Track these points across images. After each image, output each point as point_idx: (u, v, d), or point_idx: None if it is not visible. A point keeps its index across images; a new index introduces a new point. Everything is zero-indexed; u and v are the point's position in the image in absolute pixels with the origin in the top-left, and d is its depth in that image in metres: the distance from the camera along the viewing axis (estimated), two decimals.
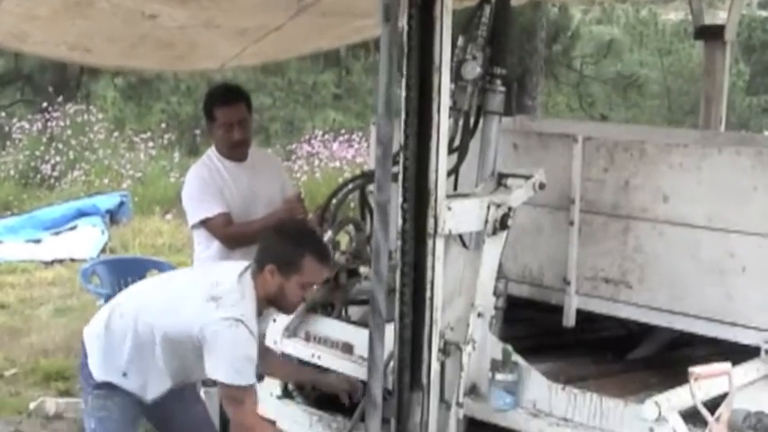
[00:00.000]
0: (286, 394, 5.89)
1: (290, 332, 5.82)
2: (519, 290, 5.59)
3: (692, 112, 20.66)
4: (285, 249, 4.87)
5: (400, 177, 4.70)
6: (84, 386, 5.00)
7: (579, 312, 5.52)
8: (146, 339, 4.84)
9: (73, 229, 13.58)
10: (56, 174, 16.85)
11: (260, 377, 5.57)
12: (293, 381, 5.69)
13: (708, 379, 4.37)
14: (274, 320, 5.84)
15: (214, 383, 5.44)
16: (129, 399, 4.95)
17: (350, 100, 23.71)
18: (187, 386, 5.22)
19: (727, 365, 4.40)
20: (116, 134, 18.45)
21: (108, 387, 4.92)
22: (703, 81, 8.46)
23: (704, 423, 4.31)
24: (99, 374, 4.92)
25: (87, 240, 12.82)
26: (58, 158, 17.08)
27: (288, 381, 5.72)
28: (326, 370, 5.61)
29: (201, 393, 5.93)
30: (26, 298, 10.84)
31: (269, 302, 4.95)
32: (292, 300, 4.95)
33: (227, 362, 4.71)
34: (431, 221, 4.68)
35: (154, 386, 4.92)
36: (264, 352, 5.31)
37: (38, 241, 13.24)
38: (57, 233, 13.49)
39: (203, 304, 4.74)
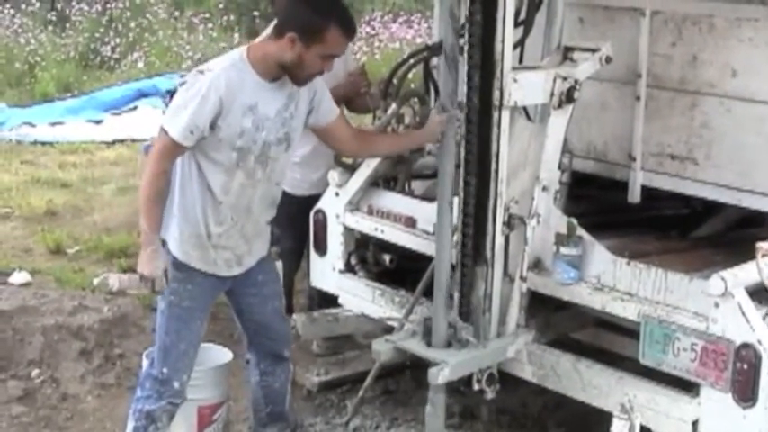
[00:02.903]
0: (348, 268, 5.92)
1: (353, 206, 5.84)
2: (584, 165, 5.56)
3: None
4: (310, 18, 4.57)
5: (465, 49, 4.65)
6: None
7: (644, 189, 5.48)
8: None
9: (133, 109, 13.56)
10: (116, 56, 16.78)
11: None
12: (397, 151, 5.60)
13: None
14: (337, 195, 5.86)
15: (276, 257, 5.44)
16: (203, 282, 4.88)
17: None
18: (265, 276, 5.14)
19: None
20: (176, 15, 18.38)
21: (186, 268, 4.86)
22: None
23: None
24: (163, 231, 4.87)
25: (148, 121, 12.72)
26: (117, 40, 17.00)
27: (374, 155, 5.66)
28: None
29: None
30: (88, 177, 10.86)
31: (284, 69, 4.67)
32: (310, 71, 4.66)
33: (173, 102, 4.65)
34: (496, 93, 4.63)
35: (195, 208, 4.77)
36: (357, 135, 5.17)
37: (99, 122, 13.23)
38: (117, 114, 13.48)
39: None
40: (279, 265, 5.35)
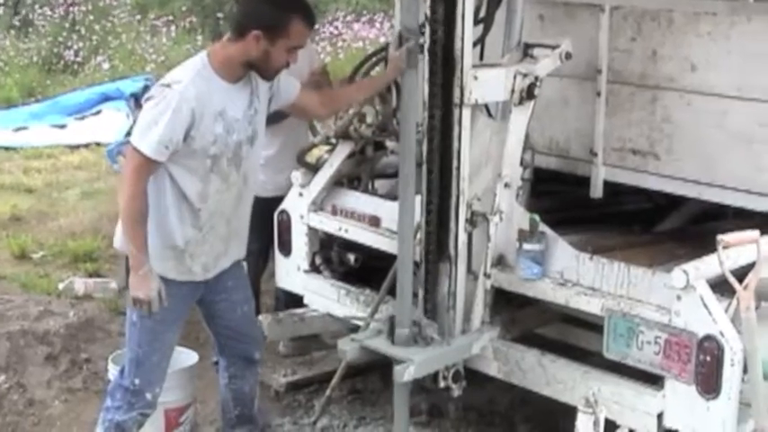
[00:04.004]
0: (313, 268, 5.92)
1: (317, 206, 5.84)
2: (546, 162, 5.58)
3: None
4: (273, 14, 4.61)
5: (426, 47, 4.66)
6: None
7: (606, 185, 5.50)
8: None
9: (97, 113, 13.48)
10: (79, 59, 16.73)
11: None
12: (358, 101, 5.51)
13: (736, 247, 4.35)
14: (300, 195, 5.86)
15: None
16: (176, 293, 4.81)
17: None
18: (236, 281, 5.16)
19: (755, 233, 4.37)
20: (138, 18, 18.34)
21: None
22: None
23: (732, 292, 4.31)
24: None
25: (112, 124, 12.70)
26: (80, 44, 16.95)
27: (350, 104, 5.55)
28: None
29: None
30: (53, 182, 10.82)
31: (250, 67, 4.71)
32: (277, 65, 4.70)
33: (141, 120, 4.59)
34: (457, 91, 4.65)
35: (168, 218, 4.74)
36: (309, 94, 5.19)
37: (63, 126, 13.16)
38: (81, 118, 13.40)
39: None
40: (243, 266, 5.35)
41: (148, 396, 4.91)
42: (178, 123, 4.53)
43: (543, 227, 4.85)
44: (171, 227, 4.73)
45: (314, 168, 5.92)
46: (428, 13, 4.64)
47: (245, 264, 5.35)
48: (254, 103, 4.79)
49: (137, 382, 4.87)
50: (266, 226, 6.10)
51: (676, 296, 4.37)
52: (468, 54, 4.65)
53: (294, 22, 4.62)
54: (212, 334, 5.32)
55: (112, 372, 5.17)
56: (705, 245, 4.45)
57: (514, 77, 4.82)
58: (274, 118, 5.45)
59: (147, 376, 4.89)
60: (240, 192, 4.87)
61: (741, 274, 4.31)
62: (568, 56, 4.97)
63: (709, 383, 4.28)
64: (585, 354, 5.02)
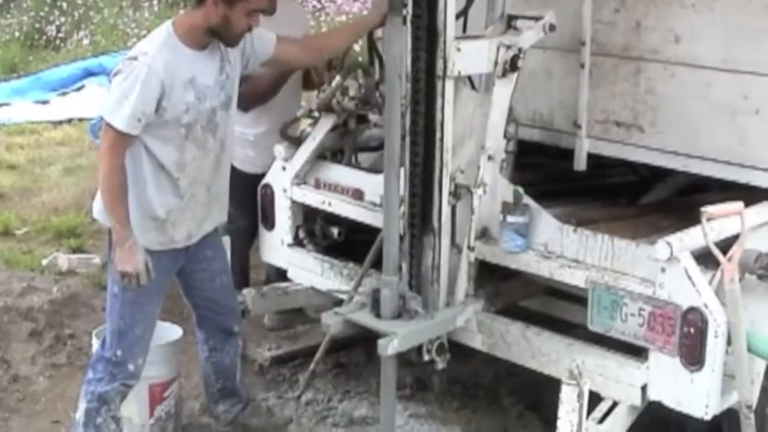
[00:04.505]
0: (297, 242, 5.90)
1: (300, 179, 5.82)
2: (530, 134, 5.57)
3: None
4: None
5: (408, 19, 4.63)
6: (111, 242, 4.90)
7: (590, 157, 5.49)
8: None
9: (80, 89, 13.46)
10: (61, 35, 16.66)
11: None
12: (340, 47, 5.46)
13: (720, 219, 4.35)
14: (283, 168, 5.83)
15: (222, 232, 5.42)
16: (156, 264, 4.78)
17: None
18: (214, 252, 5.16)
19: (739, 205, 4.37)
20: None
21: None
22: None
23: (716, 264, 4.31)
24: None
25: (95, 100, 12.65)
26: (62, 19, 16.89)
27: (333, 51, 5.48)
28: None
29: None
30: (36, 158, 10.79)
31: (213, 34, 4.69)
32: (238, 30, 4.66)
33: (111, 94, 4.56)
34: (440, 63, 4.62)
35: (146, 189, 4.74)
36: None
37: (45, 102, 13.13)
38: (64, 94, 13.38)
39: None
40: (226, 240, 5.34)
41: (131, 367, 4.91)
42: (149, 95, 4.51)
43: (527, 199, 4.84)
44: (150, 197, 4.73)
45: (297, 142, 5.89)
46: None
47: (227, 237, 5.34)
48: (225, 69, 4.78)
49: (119, 353, 4.87)
50: (254, 202, 6.08)
51: (660, 268, 4.36)
52: (451, 26, 4.62)
53: None
54: (191, 307, 5.33)
55: (96, 347, 5.15)
56: (689, 217, 4.45)
57: (498, 49, 4.79)
58: (243, 106, 5.46)
59: (130, 348, 4.89)
60: (218, 157, 4.87)
61: (725, 246, 4.31)
62: (552, 28, 4.94)
63: (693, 355, 4.28)
64: (570, 326, 5.02)
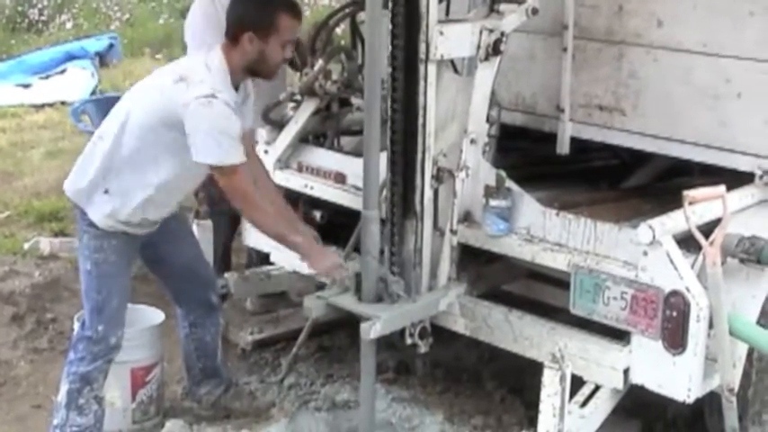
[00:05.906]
0: None
1: (283, 163, 5.82)
2: (512, 118, 5.58)
3: None
4: (258, 13, 4.70)
5: (390, 2, 4.62)
6: (79, 223, 4.94)
7: (573, 141, 5.50)
8: (122, 139, 4.75)
9: (62, 72, 13.39)
10: (43, 18, 16.62)
11: None
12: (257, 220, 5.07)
13: (702, 203, 4.36)
14: (266, 152, 5.82)
15: (205, 216, 5.42)
16: (124, 238, 4.88)
17: None
18: (179, 224, 5.21)
19: (721, 189, 4.38)
20: None
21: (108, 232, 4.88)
22: None
23: (698, 247, 4.32)
24: (81, 199, 4.86)
25: (77, 83, 12.66)
26: (45, 2, 16.84)
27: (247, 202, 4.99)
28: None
29: (194, 228, 5.92)
30: (17, 141, 10.75)
31: (250, 72, 4.80)
32: (275, 62, 4.79)
33: (210, 142, 4.58)
34: (422, 46, 4.61)
35: (136, 198, 4.79)
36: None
37: (27, 86, 13.07)
38: (46, 77, 13.31)
39: (172, 86, 4.61)
40: (209, 224, 5.34)
41: (113, 340, 4.93)
42: (237, 125, 4.63)
43: (510, 183, 4.84)
44: (134, 205, 4.80)
45: (279, 125, 5.88)
46: None
47: (209, 222, 5.34)
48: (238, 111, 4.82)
49: (100, 328, 4.89)
50: None
51: (642, 252, 4.37)
52: (433, 9, 4.61)
53: (281, 16, 4.68)
54: (165, 284, 5.37)
55: (77, 329, 5.14)
56: (671, 201, 4.46)
57: (480, 33, 4.78)
58: None
59: (110, 321, 4.91)
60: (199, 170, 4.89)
61: (707, 229, 4.33)
62: (535, 11, 4.93)
63: (675, 339, 4.30)
64: (552, 310, 5.02)
